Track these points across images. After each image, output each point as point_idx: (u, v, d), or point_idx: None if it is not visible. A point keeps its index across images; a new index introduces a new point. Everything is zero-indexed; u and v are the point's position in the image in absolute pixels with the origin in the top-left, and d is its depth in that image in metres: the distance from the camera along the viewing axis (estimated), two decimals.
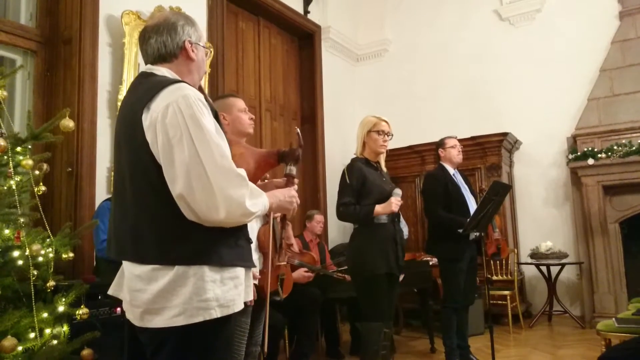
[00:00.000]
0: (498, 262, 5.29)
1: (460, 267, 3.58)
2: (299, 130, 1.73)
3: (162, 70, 1.51)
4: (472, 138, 5.54)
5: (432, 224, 3.83)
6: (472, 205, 3.70)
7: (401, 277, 3.16)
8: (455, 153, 3.82)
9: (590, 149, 5.11)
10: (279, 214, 2.86)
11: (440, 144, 3.90)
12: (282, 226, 1.80)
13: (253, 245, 2.59)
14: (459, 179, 3.83)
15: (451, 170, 3.82)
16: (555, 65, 5.76)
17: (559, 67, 5.73)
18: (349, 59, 6.91)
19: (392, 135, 3.10)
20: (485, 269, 3.74)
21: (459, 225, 3.51)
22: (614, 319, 3.19)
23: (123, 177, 1.44)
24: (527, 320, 5.24)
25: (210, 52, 1.66)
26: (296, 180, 1.67)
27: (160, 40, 1.51)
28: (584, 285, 5.26)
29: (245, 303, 1.50)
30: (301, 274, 3.72)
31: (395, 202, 2.92)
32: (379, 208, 2.92)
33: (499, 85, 6.04)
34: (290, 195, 1.59)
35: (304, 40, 6.21)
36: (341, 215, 3.05)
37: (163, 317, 1.33)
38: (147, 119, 1.37)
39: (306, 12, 6.08)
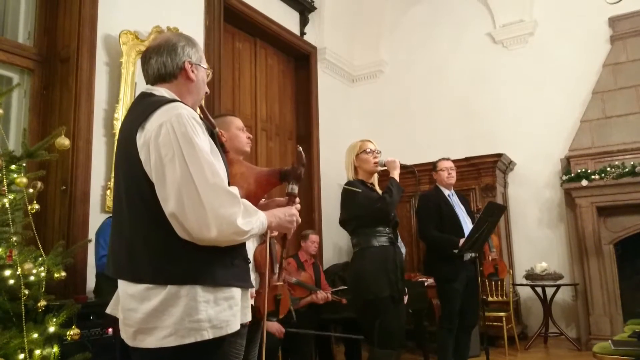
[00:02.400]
0: (493, 283, 5.27)
1: (455, 288, 3.55)
2: (300, 148, 1.70)
3: (160, 91, 1.52)
4: (467, 159, 5.57)
5: (428, 245, 3.83)
6: (467, 226, 3.70)
7: (405, 299, 3.14)
8: (445, 176, 3.82)
9: (583, 170, 5.14)
10: (275, 233, 2.85)
11: (434, 166, 3.93)
12: (282, 245, 1.78)
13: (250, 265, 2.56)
14: (455, 200, 3.83)
15: (446, 192, 3.82)
16: (548, 88, 5.83)
17: (551, 89, 5.81)
18: (344, 79, 6.97)
19: (380, 152, 3.13)
20: (480, 290, 3.70)
21: (450, 245, 3.52)
22: (610, 341, 3.17)
23: (120, 196, 1.44)
24: (523, 342, 5.20)
25: (211, 72, 1.67)
26: (298, 199, 1.66)
27: (161, 60, 1.52)
28: (580, 306, 5.24)
29: (242, 324, 1.47)
30: (275, 328, 3.44)
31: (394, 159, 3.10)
32: (394, 175, 3.05)
33: (493, 106, 6.11)
34: (290, 214, 1.58)
35: (300, 61, 6.27)
36: (383, 210, 2.93)
37: (154, 337, 1.32)
38: (141, 138, 1.38)
39: (302, 33, 6.15)
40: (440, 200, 3.74)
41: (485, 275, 3.81)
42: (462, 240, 3.52)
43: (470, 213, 3.88)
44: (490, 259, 3.80)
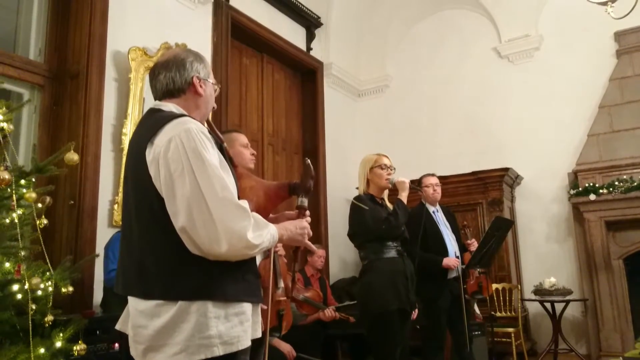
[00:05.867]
0: (502, 298, 5.23)
1: (440, 306, 3.50)
2: (309, 161, 1.70)
3: (169, 106, 1.52)
4: (473, 173, 5.56)
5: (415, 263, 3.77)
6: (451, 244, 3.66)
7: (415, 314, 3.11)
8: (430, 192, 3.76)
9: (591, 184, 5.12)
10: (279, 248, 2.85)
11: (418, 182, 3.83)
12: (295, 258, 1.77)
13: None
14: (439, 217, 3.77)
15: (431, 208, 3.77)
16: (554, 102, 5.83)
17: (558, 103, 5.80)
18: (350, 94, 7.00)
19: (395, 168, 3.13)
20: (464, 307, 3.60)
21: (433, 263, 3.48)
22: (621, 358, 3.13)
23: (129, 211, 1.44)
24: (532, 358, 5.13)
25: (218, 87, 1.68)
26: (308, 212, 1.66)
27: (169, 76, 1.53)
28: (590, 322, 5.18)
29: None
30: (287, 349, 3.51)
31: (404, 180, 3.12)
32: (402, 197, 3.06)
33: (499, 120, 6.11)
34: (301, 226, 1.58)
35: (306, 75, 6.31)
36: (387, 231, 2.96)
37: (164, 354, 1.31)
38: (150, 153, 1.38)
39: (309, 48, 6.20)
40: (424, 218, 3.61)
41: (469, 294, 3.73)
42: (445, 259, 3.50)
43: (456, 229, 3.82)
44: (474, 276, 3.73)
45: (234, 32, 4.97)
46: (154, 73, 1.57)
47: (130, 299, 1.42)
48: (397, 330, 2.86)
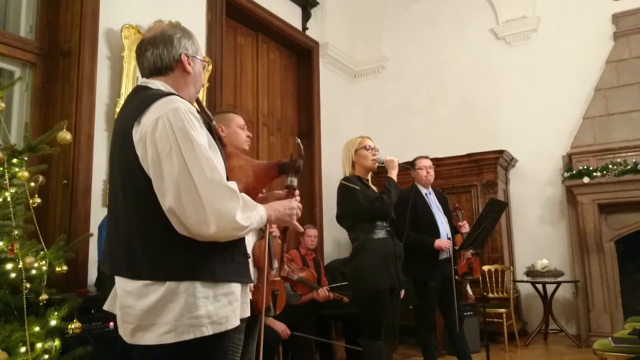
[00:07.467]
0: (494, 278, 5.29)
1: (432, 287, 3.52)
2: (299, 140, 1.68)
3: (156, 84, 1.49)
4: (468, 155, 5.57)
5: (403, 245, 3.78)
6: (443, 226, 3.67)
7: (402, 294, 3.15)
8: (423, 174, 3.74)
9: (585, 167, 5.14)
10: (273, 229, 2.86)
11: (412, 164, 3.80)
12: (283, 239, 1.77)
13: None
14: (431, 199, 3.77)
15: (424, 190, 3.76)
16: (551, 84, 5.82)
17: (554, 85, 5.79)
18: (346, 75, 6.96)
19: (379, 149, 3.14)
20: (454, 288, 3.58)
21: (424, 245, 3.50)
22: (610, 338, 3.18)
23: (116, 192, 1.42)
24: (523, 339, 5.21)
25: (208, 65, 1.66)
26: (297, 192, 1.64)
27: (157, 53, 1.50)
28: (580, 303, 5.25)
29: (240, 319, 1.47)
30: (282, 328, 3.60)
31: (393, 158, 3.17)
32: (392, 175, 3.09)
33: (495, 102, 6.10)
34: (290, 207, 1.56)
35: (302, 56, 6.26)
36: (381, 210, 2.98)
37: (153, 334, 1.31)
38: (137, 133, 1.35)
39: (304, 28, 6.13)
40: (416, 199, 3.63)
41: (459, 275, 3.75)
42: (437, 241, 3.51)
43: (448, 211, 3.82)
44: (465, 257, 3.76)
45: (229, 10, 4.90)
46: (141, 49, 1.52)
47: (118, 279, 1.41)
48: (387, 310, 2.91)
